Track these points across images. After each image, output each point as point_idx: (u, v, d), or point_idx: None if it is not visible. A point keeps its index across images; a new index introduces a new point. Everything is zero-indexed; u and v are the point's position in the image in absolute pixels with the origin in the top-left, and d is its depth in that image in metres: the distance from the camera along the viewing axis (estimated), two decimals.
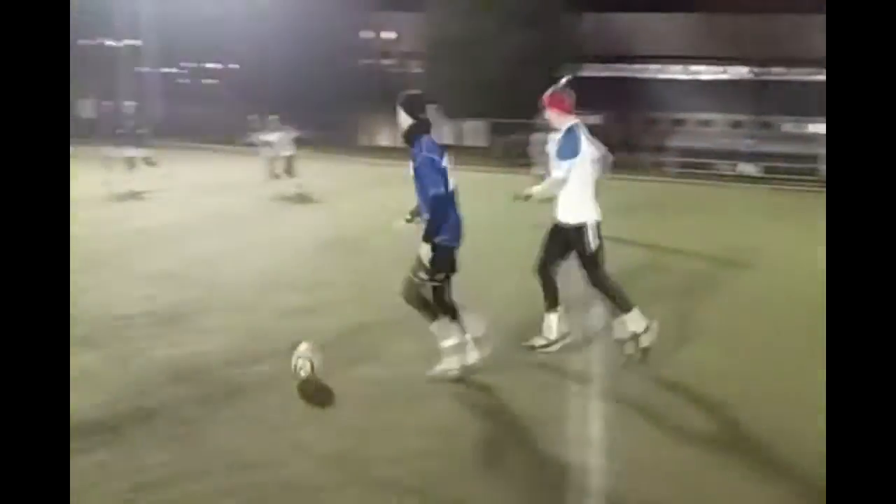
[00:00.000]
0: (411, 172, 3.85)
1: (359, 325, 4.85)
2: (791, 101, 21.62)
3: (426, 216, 3.78)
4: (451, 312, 3.94)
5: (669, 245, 8.42)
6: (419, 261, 3.77)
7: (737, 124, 23.08)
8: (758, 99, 23.01)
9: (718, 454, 3.22)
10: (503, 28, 23.31)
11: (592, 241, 4.09)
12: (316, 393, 3.74)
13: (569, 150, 4.03)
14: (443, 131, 31.29)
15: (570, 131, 4.08)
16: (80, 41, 31.46)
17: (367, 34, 30.64)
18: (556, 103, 4.13)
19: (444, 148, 3.94)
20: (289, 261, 7.10)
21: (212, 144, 22.12)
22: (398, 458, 3.08)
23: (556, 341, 4.31)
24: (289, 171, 12.00)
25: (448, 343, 3.91)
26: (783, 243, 8.45)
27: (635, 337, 4.11)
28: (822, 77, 2.14)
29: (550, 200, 4.23)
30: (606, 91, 25.55)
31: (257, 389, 3.79)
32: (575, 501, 2.83)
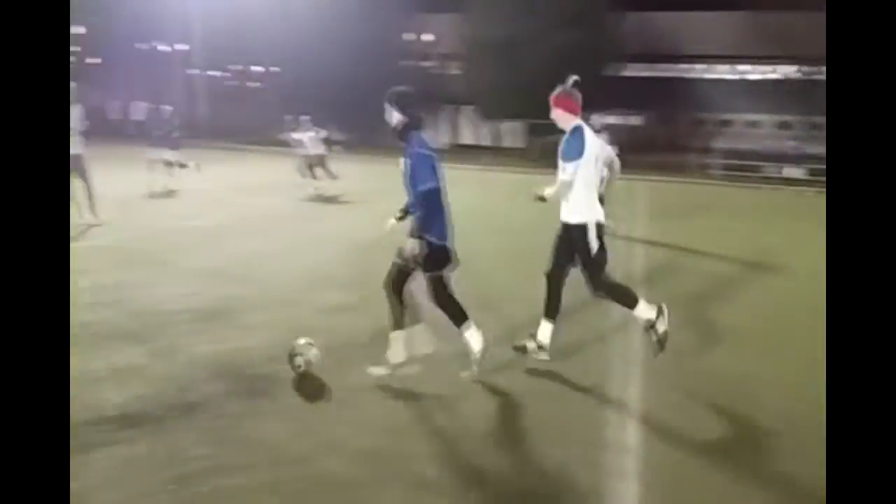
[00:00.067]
0: (402, 168, 3.86)
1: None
2: None
3: (417, 213, 3.78)
4: (457, 307, 3.93)
5: (702, 248, 8.30)
6: (400, 250, 3.82)
7: (784, 125, 22.40)
8: (807, 99, 22.28)
9: (730, 457, 3.16)
10: (542, 28, 23.12)
11: (593, 243, 4.06)
12: (311, 388, 3.81)
13: (574, 150, 4.00)
14: (481, 132, 31.35)
15: (575, 132, 4.05)
16: (136, 45, 32.65)
17: (405, 35, 30.81)
18: (562, 103, 4.10)
19: (433, 146, 3.93)
20: (329, 259, 7.21)
21: (254, 146, 22.58)
22: (436, 457, 3.09)
23: (544, 349, 4.24)
24: (323, 170, 12.26)
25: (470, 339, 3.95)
26: (823, 248, 8.19)
27: (651, 325, 4.10)
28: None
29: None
30: (650, 91, 25.12)
31: (288, 389, 3.85)
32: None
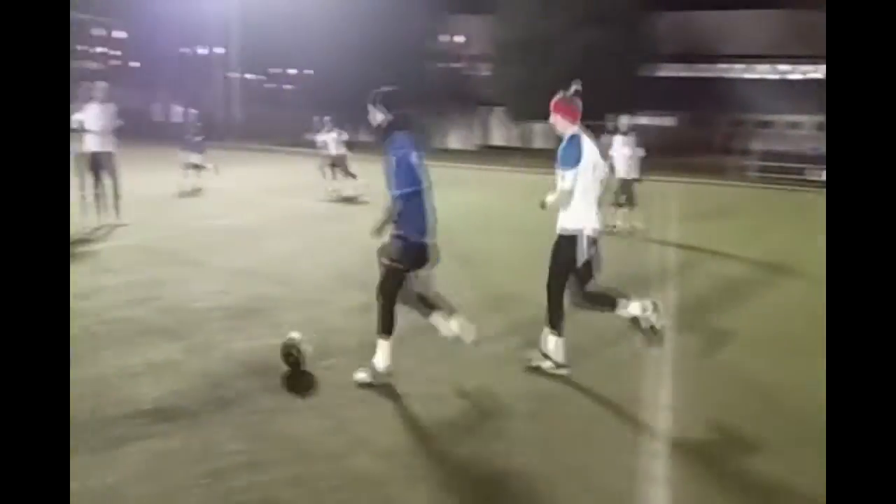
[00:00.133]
0: (384, 168, 3.83)
1: (425, 324, 4.88)
2: None
3: (395, 212, 3.78)
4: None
5: (732, 251, 8.16)
6: (384, 247, 3.86)
7: (825, 126, 21.82)
8: None
9: (753, 462, 3.05)
10: (573, 28, 22.92)
11: (584, 252, 3.99)
12: (299, 381, 3.85)
13: (571, 158, 3.95)
14: (511, 134, 31.17)
15: (573, 139, 4.01)
16: (176, 49, 33.44)
17: (435, 37, 30.87)
18: (561, 109, 4.07)
19: (418, 145, 3.89)
20: (355, 260, 7.25)
21: (286, 147, 22.92)
22: (464, 459, 3.07)
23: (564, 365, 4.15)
24: (344, 170, 12.51)
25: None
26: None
27: (636, 321, 4.06)
28: None
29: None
30: (687, 92, 24.70)
31: (326, 383, 3.88)
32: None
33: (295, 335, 4.02)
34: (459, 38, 32.05)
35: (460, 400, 3.74)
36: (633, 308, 4.06)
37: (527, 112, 26.16)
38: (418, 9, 27.81)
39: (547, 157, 22.98)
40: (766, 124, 23.03)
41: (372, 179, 12.19)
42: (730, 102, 23.40)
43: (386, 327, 3.88)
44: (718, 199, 14.03)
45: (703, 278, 6.96)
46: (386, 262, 3.86)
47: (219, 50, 31.17)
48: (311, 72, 30.23)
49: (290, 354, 3.98)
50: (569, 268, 4.03)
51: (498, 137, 31.66)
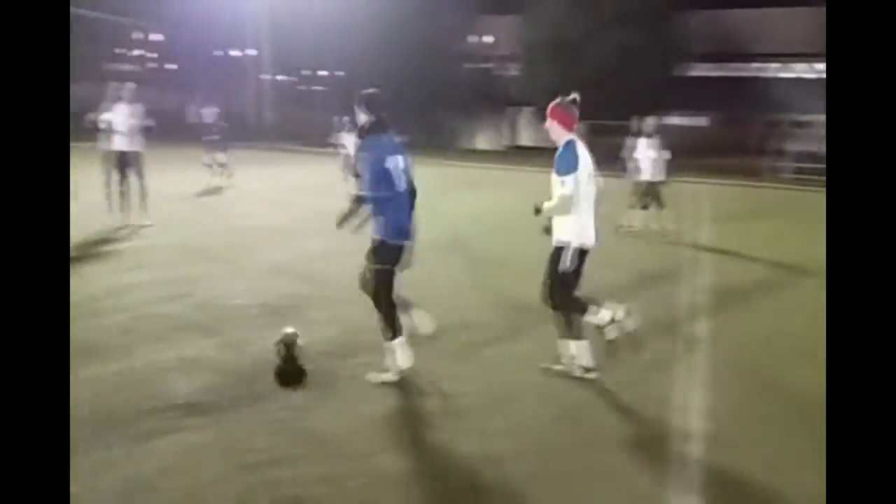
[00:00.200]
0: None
1: (453, 324, 4.91)
2: None
3: (371, 211, 3.89)
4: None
5: (761, 254, 7.99)
6: (368, 255, 3.94)
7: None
8: None
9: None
10: (603, 27, 22.71)
11: (568, 262, 3.93)
12: (296, 375, 3.88)
13: (569, 164, 3.90)
14: (541, 134, 30.87)
15: (568, 145, 3.97)
16: (211, 51, 34.11)
17: (465, 37, 30.85)
18: (558, 115, 4.04)
19: (400, 149, 3.96)
20: None
21: (315, 148, 23.16)
22: (489, 459, 3.07)
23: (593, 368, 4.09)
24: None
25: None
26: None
27: (600, 329, 4.00)
28: None
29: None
30: (721, 91, 24.27)
31: (356, 381, 3.92)
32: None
33: (289, 330, 4.05)
34: (489, 39, 32.01)
35: (485, 400, 3.74)
36: (604, 315, 3.99)
37: None
38: (447, 10, 27.84)
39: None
40: (801, 125, 22.48)
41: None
42: (765, 102, 22.91)
43: (394, 331, 3.92)
44: (752, 200, 13.76)
45: (733, 279, 6.83)
46: (374, 268, 3.93)
47: (252, 52, 31.68)
48: (342, 73, 30.51)
49: (287, 349, 3.96)
50: (568, 278, 3.98)
51: (526, 138, 31.49)
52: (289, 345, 3.94)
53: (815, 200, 13.83)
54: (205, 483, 2.81)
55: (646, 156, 9.29)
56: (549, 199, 3.98)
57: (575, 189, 3.87)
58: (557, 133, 4.04)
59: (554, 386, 3.95)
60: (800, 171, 17.42)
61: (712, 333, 5.08)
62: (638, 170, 9.35)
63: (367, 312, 5.28)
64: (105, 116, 8.26)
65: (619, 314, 3.96)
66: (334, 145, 13.42)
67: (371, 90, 4.03)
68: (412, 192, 4.06)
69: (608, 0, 22.54)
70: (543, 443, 3.28)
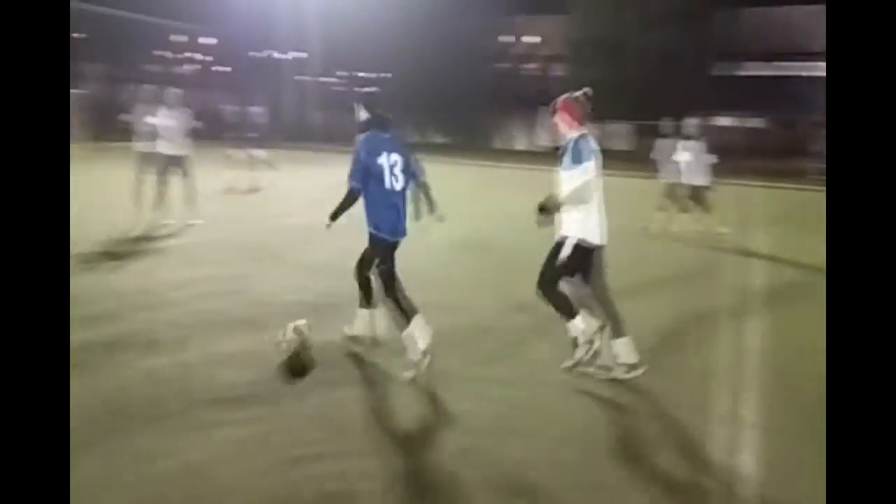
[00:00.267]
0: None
1: (491, 325, 4.94)
2: None
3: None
4: (398, 295, 4.18)
5: (804, 258, 7.75)
6: (367, 255, 4.18)
7: None
8: None
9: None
10: (649, 26, 22.35)
11: (564, 254, 3.92)
12: (303, 366, 4.03)
13: (582, 154, 3.87)
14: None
15: (580, 139, 3.93)
16: (250, 53, 34.96)
17: (508, 38, 30.75)
18: (567, 109, 4.00)
19: (398, 149, 4.13)
20: (423, 259, 7.39)
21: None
22: (534, 464, 3.07)
23: (635, 365, 4.05)
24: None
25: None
26: None
27: (576, 342, 4.00)
28: None
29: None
30: (770, 91, 23.58)
31: (397, 379, 3.98)
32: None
33: (301, 322, 4.23)
34: (533, 39, 31.85)
35: (534, 401, 3.75)
36: (577, 325, 3.99)
37: (602, 111, 25.64)
38: (490, 11, 27.82)
39: (619, 159, 22.40)
40: None
41: (446, 183, 12.42)
42: (816, 102, 22.17)
43: (407, 315, 4.09)
44: (799, 203, 13.34)
45: (776, 282, 6.66)
46: (377, 269, 4.16)
47: (297, 55, 32.31)
48: (387, 75, 30.82)
49: (290, 339, 4.14)
50: (561, 268, 3.98)
51: None
52: (299, 335, 4.14)
53: None
54: (251, 475, 2.90)
55: (682, 158, 9.12)
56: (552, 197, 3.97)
57: (594, 178, 3.86)
58: (565, 127, 4.03)
59: (587, 389, 3.93)
60: None
61: (750, 339, 4.97)
62: (677, 172, 9.19)
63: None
64: (149, 119, 8.47)
65: (592, 335, 3.97)
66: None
67: (370, 90, 4.26)
68: (424, 187, 4.33)
69: None
70: (589, 447, 3.27)
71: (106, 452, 3.00)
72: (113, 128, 9.03)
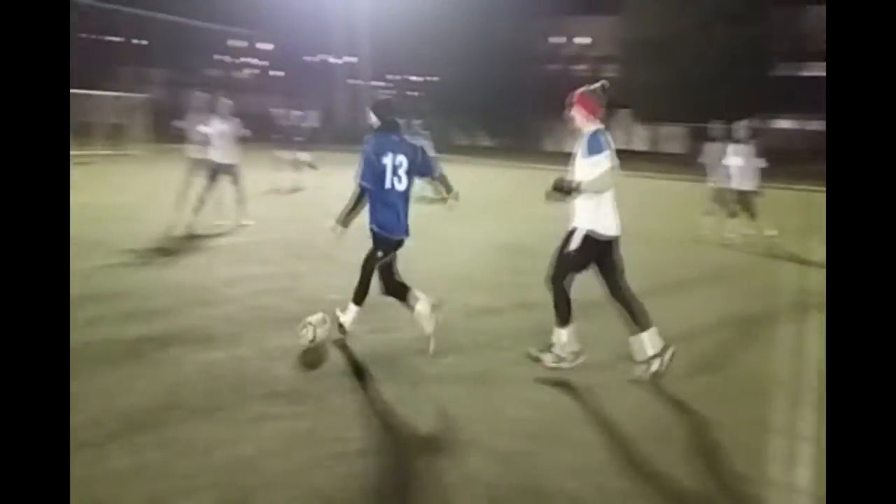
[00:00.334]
0: None
1: (538, 327, 4.90)
2: None
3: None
4: (364, 291, 4.49)
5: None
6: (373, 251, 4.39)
7: None
8: None
9: None
10: (705, 26, 21.73)
11: (573, 244, 3.91)
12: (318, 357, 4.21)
13: (600, 145, 3.84)
14: (636, 137, 30.10)
15: (596, 133, 3.89)
16: (304, 57, 35.79)
17: (557, 40, 30.49)
18: (583, 103, 3.96)
19: (405, 149, 4.32)
20: (470, 261, 7.43)
21: None
22: (576, 470, 3.05)
23: (655, 356, 3.99)
24: None
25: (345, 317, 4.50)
26: None
27: (550, 347, 4.09)
28: None
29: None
30: None
31: (442, 380, 4.01)
32: None
33: (319, 315, 4.46)
34: (584, 40, 31.50)
35: (571, 403, 3.72)
36: (562, 336, 4.03)
37: (654, 114, 25.15)
38: (539, 12, 27.66)
39: (678, 162, 21.85)
40: None
41: (492, 186, 12.44)
42: None
43: (399, 295, 4.50)
44: None
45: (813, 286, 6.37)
46: (376, 261, 4.41)
47: (349, 59, 32.89)
48: (436, 78, 31.03)
49: (312, 333, 4.38)
50: (570, 260, 3.98)
51: (620, 140, 30.73)
52: (316, 328, 4.37)
53: None
54: (299, 469, 2.97)
55: (733, 163, 8.85)
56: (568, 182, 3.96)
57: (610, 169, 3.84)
58: (581, 121, 4.00)
59: (648, 397, 3.86)
60: None
61: (795, 347, 4.78)
62: (727, 177, 8.92)
63: (456, 312, 5.41)
64: (201, 129, 8.83)
65: (567, 354, 4.03)
66: None
67: (383, 97, 4.54)
68: (442, 178, 4.61)
69: None
70: (633, 455, 3.22)
71: (163, 442, 3.13)
72: (173, 128, 9.42)
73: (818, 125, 23.99)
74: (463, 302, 5.70)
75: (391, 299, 5.57)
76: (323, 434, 3.30)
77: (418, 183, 4.74)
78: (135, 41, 37.31)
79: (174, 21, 33.18)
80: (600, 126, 3.96)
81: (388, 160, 4.26)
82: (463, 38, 27.40)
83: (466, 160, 24.91)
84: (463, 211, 11.79)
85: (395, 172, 4.28)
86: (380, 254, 4.42)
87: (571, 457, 3.16)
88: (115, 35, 37.20)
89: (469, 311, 5.44)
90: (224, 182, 8.96)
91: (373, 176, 4.26)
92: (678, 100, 22.17)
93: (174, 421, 3.35)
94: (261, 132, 15.05)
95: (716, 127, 9.37)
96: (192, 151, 8.96)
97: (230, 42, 39.88)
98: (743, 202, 8.90)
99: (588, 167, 3.87)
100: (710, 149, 9.33)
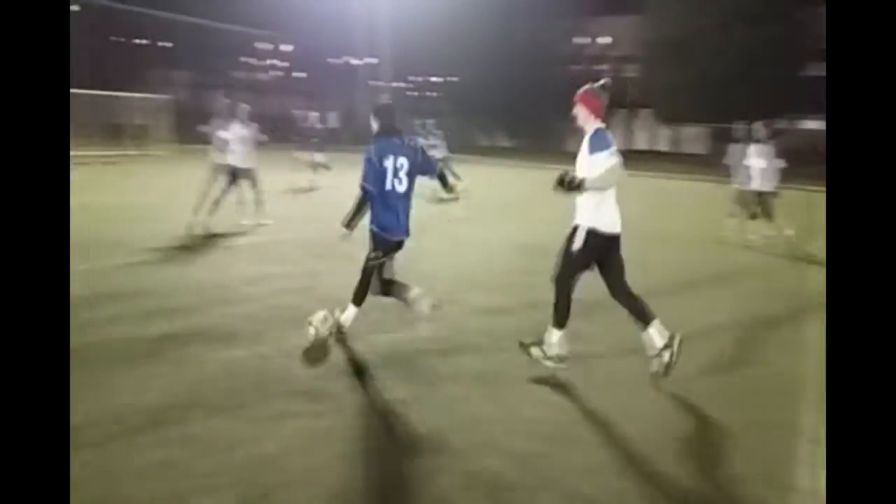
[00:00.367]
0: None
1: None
2: None
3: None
4: (364, 292, 4.64)
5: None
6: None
7: None
8: None
9: None
10: (728, 25, 21.42)
11: (577, 243, 3.91)
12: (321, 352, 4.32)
13: (603, 142, 3.84)
14: (658, 137, 29.81)
15: (598, 131, 3.89)
16: (327, 59, 36.06)
17: (579, 40, 30.32)
18: (587, 101, 3.95)
19: (405, 152, 4.44)
20: (483, 261, 7.44)
21: None
22: (593, 471, 3.03)
23: (665, 347, 3.98)
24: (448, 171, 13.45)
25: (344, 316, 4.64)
26: None
27: (541, 348, 4.13)
28: None
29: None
30: None
31: (459, 380, 4.02)
32: None
33: (323, 312, 4.57)
34: (605, 40, 31.29)
35: (594, 408, 3.70)
36: (553, 338, 4.06)
37: (677, 114, 24.89)
38: (561, 12, 27.53)
39: (697, 162, 21.54)
40: None
41: (509, 187, 12.42)
42: None
43: (356, 299, 4.66)
44: None
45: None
46: (368, 258, 4.57)
47: (370, 60, 33.07)
48: (457, 79, 31.05)
49: (318, 327, 4.51)
50: (574, 259, 3.97)
51: (642, 141, 30.47)
52: (319, 325, 4.50)
53: None
54: (320, 467, 3.00)
55: (755, 164, 8.75)
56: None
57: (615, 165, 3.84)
58: (585, 120, 4.00)
59: (652, 397, 3.82)
60: None
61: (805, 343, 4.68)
62: (748, 178, 8.83)
63: (471, 312, 5.42)
64: (221, 134, 9.04)
65: (554, 354, 4.06)
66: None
67: (382, 102, 4.63)
68: (441, 176, 4.75)
69: None
70: (652, 457, 3.19)
71: (185, 439, 3.18)
72: (197, 132, 9.62)
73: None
74: (479, 302, 5.70)
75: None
76: (342, 432, 3.33)
77: (434, 186, 4.78)
78: (160, 43, 37.92)
79: (198, 23, 33.62)
80: (602, 125, 3.97)
81: (389, 163, 4.38)
82: (483, 38, 27.38)
83: (486, 160, 24.90)
84: (482, 211, 11.86)
85: (395, 175, 4.40)
86: (375, 254, 4.55)
87: (586, 458, 3.14)
88: (143, 38, 37.84)
89: (485, 311, 5.43)
90: (243, 184, 9.14)
91: (375, 179, 4.38)
92: (699, 100, 21.89)
93: (196, 419, 3.40)
94: (281, 133, 15.27)
95: (739, 128, 9.29)
96: (213, 156, 9.12)
97: (257, 44, 40.36)
98: (762, 203, 8.81)
99: (591, 165, 3.89)
100: (733, 150, 9.26)
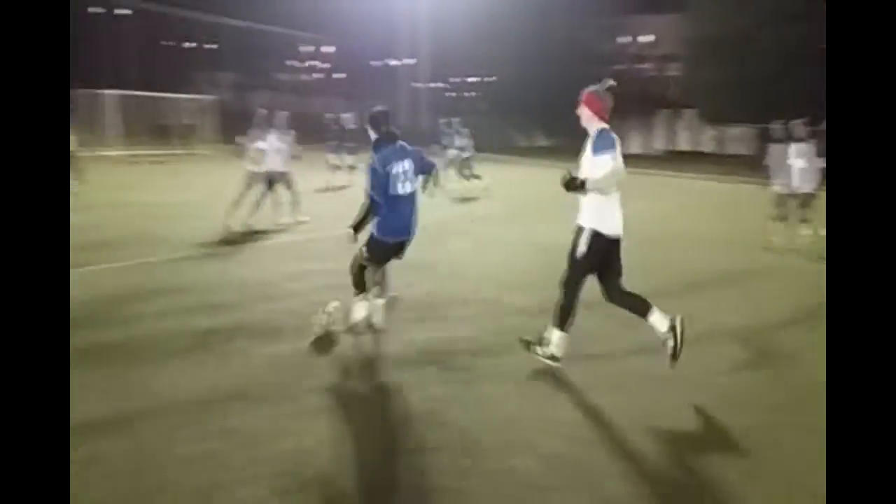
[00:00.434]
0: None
1: (595, 328, 4.84)
2: None
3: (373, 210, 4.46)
4: (362, 289, 4.70)
5: None
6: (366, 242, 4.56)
7: None
8: None
9: None
10: (771, 24, 20.79)
11: (582, 246, 3.89)
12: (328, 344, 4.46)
13: (607, 143, 3.82)
14: (702, 138, 29.18)
15: (602, 132, 3.86)
16: (371, 62, 36.44)
17: (619, 38, 29.93)
18: (589, 102, 3.92)
19: (408, 155, 4.50)
20: (517, 261, 7.41)
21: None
22: (627, 475, 3.00)
23: (670, 328, 3.94)
24: (464, 171, 13.67)
25: (355, 315, 4.70)
26: None
27: (531, 345, 4.21)
28: None
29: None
30: None
31: (494, 380, 4.02)
32: None
33: (336, 303, 4.71)
34: (646, 39, 30.80)
35: (623, 412, 3.65)
36: (554, 337, 4.10)
37: (720, 114, 24.34)
38: (601, 11, 27.20)
39: (741, 164, 21.02)
40: None
41: (543, 188, 12.34)
42: None
43: (360, 288, 4.73)
44: None
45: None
46: (359, 254, 4.63)
47: (409, 61, 33.29)
48: (494, 78, 30.98)
49: (326, 319, 4.65)
50: (581, 262, 3.96)
51: (685, 141, 29.87)
52: (328, 317, 4.65)
53: None
54: (355, 462, 3.05)
55: (796, 164, 8.44)
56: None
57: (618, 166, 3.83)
58: (589, 121, 3.99)
59: (695, 402, 3.75)
60: None
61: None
62: (788, 178, 8.54)
63: (507, 313, 5.41)
64: (259, 145, 9.24)
65: (549, 347, 4.10)
66: (443, 146, 14.17)
67: (375, 110, 4.61)
68: (434, 176, 4.74)
69: None
70: (676, 462, 3.14)
71: (229, 432, 3.28)
72: (241, 132, 9.90)
73: None
74: (509, 300, 5.70)
75: (443, 299, 5.65)
76: (375, 431, 3.38)
77: (453, 186, 4.80)
78: (206, 46, 38.92)
79: (242, 26, 34.40)
80: (605, 126, 3.95)
81: (397, 168, 4.42)
82: (521, 37, 27.23)
83: (524, 161, 24.78)
84: (516, 211, 11.82)
85: (403, 178, 4.46)
86: (366, 259, 4.61)
87: (623, 462, 3.10)
88: (189, 41, 38.90)
89: (519, 311, 5.42)
90: (279, 187, 9.41)
91: (381, 187, 4.39)
92: (742, 99, 21.31)
93: (237, 412, 3.50)
94: (318, 134, 15.56)
95: (776, 127, 8.98)
96: (250, 167, 9.37)
97: (301, 47, 41.07)
98: (803, 204, 8.54)
99: (594, 165, 3.88)
100: (773, 150, 8.95)
